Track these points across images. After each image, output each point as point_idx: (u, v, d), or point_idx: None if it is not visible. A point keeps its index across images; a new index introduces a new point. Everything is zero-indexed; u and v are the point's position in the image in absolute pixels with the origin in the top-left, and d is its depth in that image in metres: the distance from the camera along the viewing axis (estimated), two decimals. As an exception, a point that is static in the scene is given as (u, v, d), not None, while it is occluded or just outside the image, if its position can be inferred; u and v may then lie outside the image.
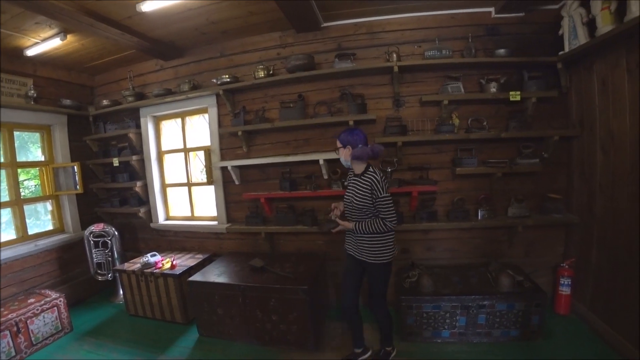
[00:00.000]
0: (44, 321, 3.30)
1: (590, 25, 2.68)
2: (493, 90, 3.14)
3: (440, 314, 2.87)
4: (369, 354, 2.75)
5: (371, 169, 2.39)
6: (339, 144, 2.47)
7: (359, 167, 2.44)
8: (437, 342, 2.92)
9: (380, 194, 2.29)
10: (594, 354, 2.61)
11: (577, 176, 3.14)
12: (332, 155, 3.24)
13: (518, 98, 3.04)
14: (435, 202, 3.44)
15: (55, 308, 3.42)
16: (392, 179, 3.30)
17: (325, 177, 3.47)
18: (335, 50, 3.49)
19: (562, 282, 3.11)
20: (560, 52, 2.95)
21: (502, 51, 3.11)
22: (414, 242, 3.56)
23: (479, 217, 3.26)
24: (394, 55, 3.23)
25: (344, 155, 2.45)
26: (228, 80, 3.64)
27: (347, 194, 2.52)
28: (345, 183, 2.68)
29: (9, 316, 3.03)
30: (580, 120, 3.03)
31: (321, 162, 3.31)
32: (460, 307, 2.83)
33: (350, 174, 2.57)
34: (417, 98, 3.38)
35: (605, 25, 2.49)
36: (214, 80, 3.71)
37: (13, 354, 3.01)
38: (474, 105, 3.30)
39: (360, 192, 2.37)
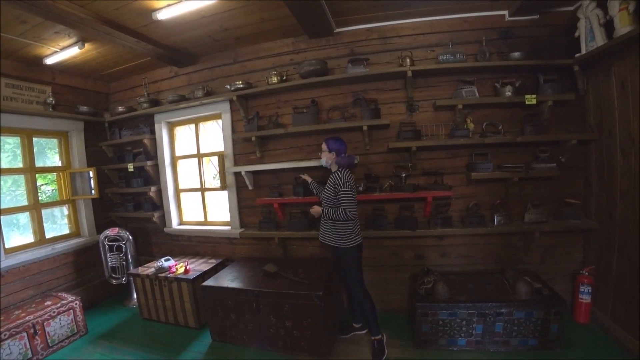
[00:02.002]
0: (60, 323, 3.34)
1: (608, 26, 2.64)
2: (508, 94, 3.10)
3: (456, 321, 2.82)
4: (364, 331, 3.22)
5: (340, 170, 2.81)
6: (325, 148, 2.90)
7: (334, 168, 2.90)
8: (453, 350, 2.86)
9: (342, 188, 2.72)
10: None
11: (595, 181, 3.07)
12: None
13: (534, 101, 3.00)
14: (450, 208, 3.40)
15: (71, 311, 3.46)
16: (407, 184, 3.28)
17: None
18: (348, 56, 3.51)
19: (582, 290, 3.02)
20: (577, 54, 2.91)
21: (516, 54, 3.08)
22: (429, 248, 3.52)
23: (495, 223, 3.21)
24: (407, 60, 3.22)
25: (328, 158, 2.90)
26: (241, 86, 3.67)
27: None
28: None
29: (26, 318, 3.08)
30: (599, 124, 2.97)
31: (334, 167, 3.31)
32: (476, 315, 2.78)
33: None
34: (430, 102, 3.36)
35: (623, 26, 2.44)
36: (228, 87, 3.75)
37: (30, 355, 3.06)
38: (488, 110, 3.27)
39: (329, 186, 2.84)
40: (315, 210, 2.96)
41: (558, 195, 3.24)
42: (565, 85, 3.09)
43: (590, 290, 3.00)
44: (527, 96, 3.00)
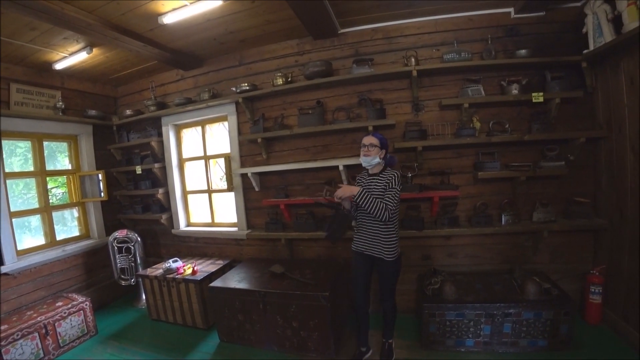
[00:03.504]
0: (71, 324, 3.39)
1: (616, 22, 2.60)
2: (514, 92, 3.07)
3: (464, 322, 2.79)
4: (371, 352, 2.88)
5: (389, 169, 2.59)
6: (376, 142, 2.52)
7: (378, 168, 2.59)
8: (461, 351, 2.84)
9: (394, 186, 2.44)
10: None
11: (605, 179, 3.02)
12: (352, 161, 3.26)
13: (541, 99, 2.96)
14: (457, 208, 3.37)
15: (82, 311, 3.51)
16: (413, 184, 3.26)
17: (345, 182, 3.45)
18: (353, 56, 3.50)
19: (592, 290, 2.97)
20: (585, 51, 2.87)
21: (522, 52, 3.05)
22: (436, 248, 3.50)
23: (503, 223, 3.18)
24: (412, 60, 3.21)
25: (378, 155, 2.52)
26: (247, 88, 3.70)
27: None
28: (357, 181, 2.76)
29: (38, 319, 3.14)
30: (608, 121, 2.92)
31: (341, 167, 3.31)
32: (484, 315, 2.75)
33: (364, 174, 2.69)
34: (436, 102, 3.34)
35: (632, 21, 2.41)
36: (233, 89, 3.78)
37: (41, 355, 3.11)
38: (495, 108, 3.24)
39: (379, 187, 2.49)
40: (346, 190, 2.45)
41: (567, 194, 3.20)
42: (573, 82, 3.04)
43: (600, 291, 2.95)
44: (534, 94, 2.97)
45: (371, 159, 2.53)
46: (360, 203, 2.40)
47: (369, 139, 2.54)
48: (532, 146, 3.19)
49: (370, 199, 2.37)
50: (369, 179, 2.59)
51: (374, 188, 2.49)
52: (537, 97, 2.96)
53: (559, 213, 3.21)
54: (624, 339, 2.74)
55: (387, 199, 2.41)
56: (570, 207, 3.14)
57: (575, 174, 3.13)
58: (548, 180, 3.21)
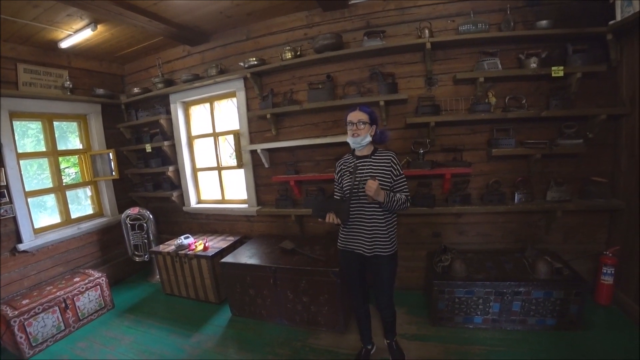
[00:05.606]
0: (89, 298, 3.52)
1: (648, -11, 2.42)
2: (533, 65, 2.93)
3: (473, 299, 2.81)
4: (375, 348, 2.71)
5: (381, 149, 2.33)
6: (366, 118, 2.21)
7: (368, 148, 2.30)
8: (469, 328, 2.87)
9: (400, 171, 2.24)
10: (637, 347, 2.47)
11: (625, 158, 2.90)
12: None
13: (561, 74, 2.83)
14: (469, 185, 3.32)
15: (99, 287, 3.63)
16: (425, 160, 3.21)
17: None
18: (364, 28, 3.37)
19: (605, 271, 2.93)
20: (611, 22, 2.69)
21: (543, 23, 2.87)
22: (446, 226, 3.47)
23: (516, 201, 3.12)
24: (426, 31, 3.07)
25: (369, 133, 2.23)
26: (255, 63, 3.61)
27: (349, 177, 2.27)
28: (341, 167, 2.41)
29: (57, 293, 3.25)
30: (632, 98, 2.77)
31: (350, 144, 3.25)
32: (494, 293, 2.75)
33: (349, 158, 2.39)
34: (450, 76, 3.22)
35: (665, -11, 2.24)
36: (241, 64, 3.69)
37: (62, 327, 3.25)
38: (512, 83, 3.11)
39: (381, 171, 2.21)
40: (374, 193, 2.05)
41: (584, 173, 3.10)
42: (596, 55, 2.88)
43: (613, 272, 2.91)
44: (553, 68, 2.83)
45: (361, 139, 2.22)
46: (388, 208, 2.17)
47: (356, 115, 2.22)
48: (550, 123, 3.07)
49: (394, 199, 2.15)
50: (360, 163, 2.28)
51: (369, 172, 2.21)
52: (557, 71, 2.82)
53: (575, 192, 3.13)
54: (635, 320, 2.72)
55: (403, 189, 2.23)
56: (586, 186, 3.06)
57: (593, 152, 3.01)
58: (565, 159, 3.11)
